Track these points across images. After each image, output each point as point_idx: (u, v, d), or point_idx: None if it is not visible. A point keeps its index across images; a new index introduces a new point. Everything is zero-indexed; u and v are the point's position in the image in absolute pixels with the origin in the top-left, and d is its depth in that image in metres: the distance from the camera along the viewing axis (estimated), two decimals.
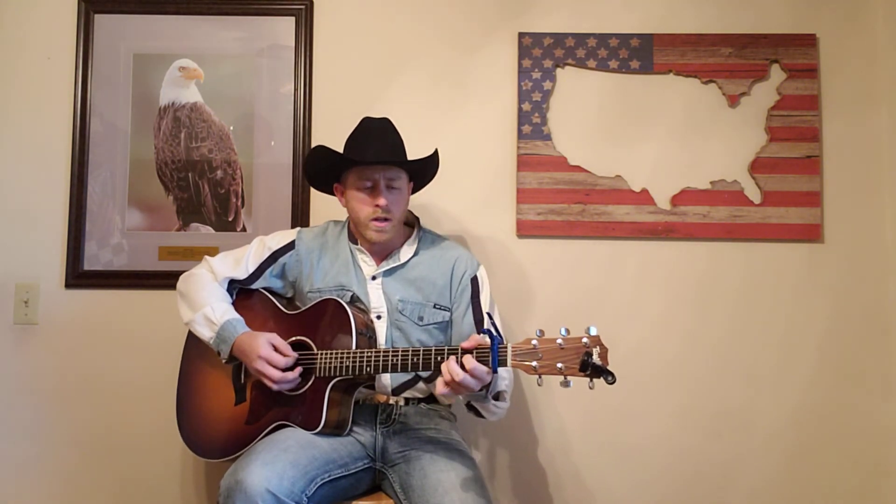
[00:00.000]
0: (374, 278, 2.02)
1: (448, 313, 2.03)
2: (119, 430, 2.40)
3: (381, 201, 1.95)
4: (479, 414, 1.89)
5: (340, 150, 2.02)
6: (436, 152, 2.04)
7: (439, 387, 1.67)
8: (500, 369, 1.72)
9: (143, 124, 2.46)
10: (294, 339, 1.94)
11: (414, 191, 2.16)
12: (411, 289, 2.02)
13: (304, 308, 1.99)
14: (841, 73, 2.46)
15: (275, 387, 1.84)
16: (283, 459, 1.70)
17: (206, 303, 1.95)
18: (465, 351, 1.67)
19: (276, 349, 1.87)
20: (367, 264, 2.05)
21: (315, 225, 2.25)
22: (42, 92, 2.46)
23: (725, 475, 2.38)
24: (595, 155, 2.45)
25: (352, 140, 2.04)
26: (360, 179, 1.98)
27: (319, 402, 1.83)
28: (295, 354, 1.88)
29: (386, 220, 1.96)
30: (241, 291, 2.08)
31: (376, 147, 1.98)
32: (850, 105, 2.45)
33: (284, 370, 1.85)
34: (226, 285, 2.04)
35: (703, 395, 2.40)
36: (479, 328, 1.99)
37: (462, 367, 1.64)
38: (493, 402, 1.81)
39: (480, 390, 1.70)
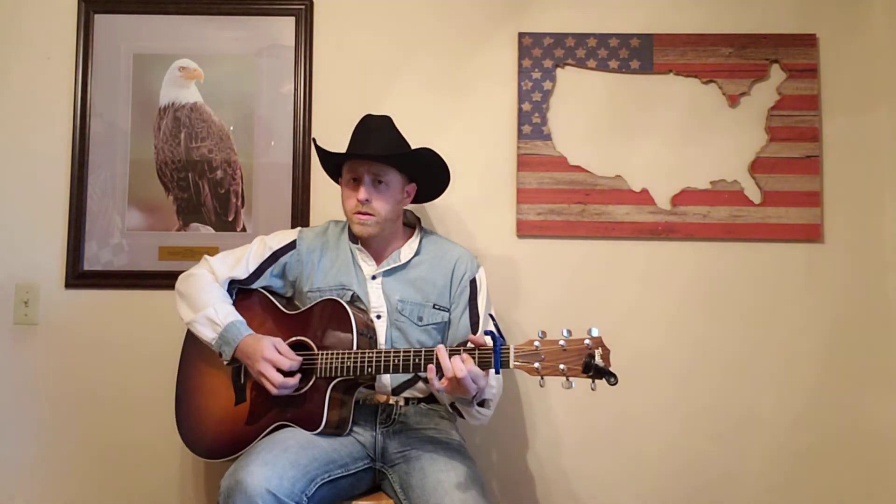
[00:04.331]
0: (374, 278, 2.02)
1: (447, 314, 2.03)
2: (119, 431, 2.40)
3: (361, 194, 1.95)
4: (461, 415, 1.90)
5: (345, 148, 2.04)
6: (426, 149, 2.00)
7: (437, 382, 1.68)
8: (489, 378, 1.74)
9: (143, 124, 2.46)
10: (294, 339, 1.94)
11: (429, 198, 2.17)
12: (411, 289, 2.02)
13: (303, 308, 1.99)
14: (841, 73, 2.46)
15: (275, 391, 1.83)
16: (284, 459, 1.70)
17: (207, 304, 1.95)
18: (468, 351, 1.67)
19: (280, 353, 1.87)
20: (368, 264, 2.05)
21: (315, 225, 2.25)
22: (42, 92, 2.46)
23: (725, 475, 2.38)
24: (595, 155, 2.45)
25: (352, 136, 2.05)
26: (348, 173, 2.01)
27: (320, 403, 1.83)
28: (299, 359, 1.87)
29: (368, 214, 1.96)
30: (240, 291, 2.09)
31: (371, 143, 1.99)
32: (850, 105, 2.45)
33: (288, 373, 1.85)
34: (226, 286, 2.04)
35: (703, 395, 2.40)
36: (475, 330, 2.00)
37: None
38: (477, 407, 1.81)
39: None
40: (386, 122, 2.06)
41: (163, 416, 2.25)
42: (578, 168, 2.44)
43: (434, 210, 2.43)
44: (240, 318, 1.95)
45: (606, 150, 2.45)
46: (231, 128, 2.46)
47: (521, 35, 2.46)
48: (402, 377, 1.98)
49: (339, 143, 2.06)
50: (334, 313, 1.91)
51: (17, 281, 2.43)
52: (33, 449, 2.40)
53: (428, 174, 2.08)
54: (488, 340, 1.67)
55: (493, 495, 2.36)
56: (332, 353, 1.84)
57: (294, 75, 2.46)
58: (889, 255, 2.41)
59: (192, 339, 2.08)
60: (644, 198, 2.42)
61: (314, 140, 2.06)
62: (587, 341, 1.59)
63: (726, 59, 2.45)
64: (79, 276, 2.42)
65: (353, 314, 1.88)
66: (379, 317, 1.99)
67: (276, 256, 2.08)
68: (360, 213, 1.97)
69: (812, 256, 2.42)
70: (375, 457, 1.93)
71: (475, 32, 2.49)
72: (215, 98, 2.47)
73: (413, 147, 2.06)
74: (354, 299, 1.99)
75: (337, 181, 2.15)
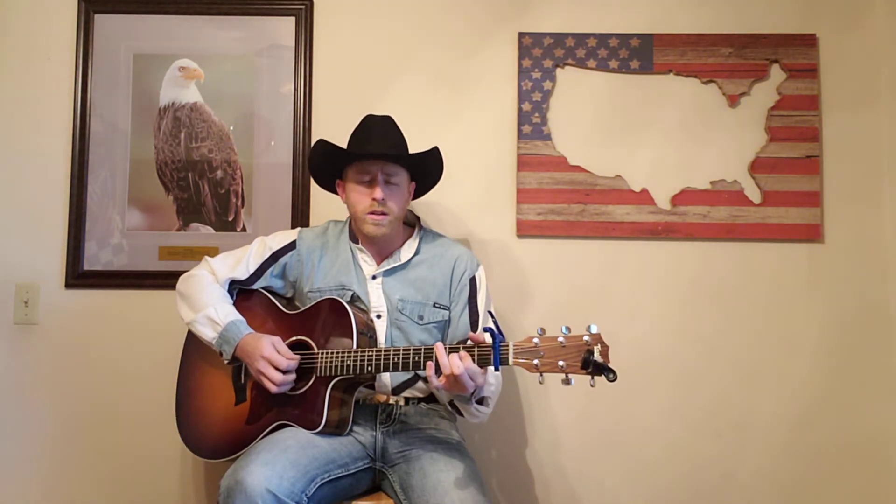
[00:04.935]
0: (374, 278, 2.02)
1: (447, 312, 2.03)
2: (119, 430, 2.39)
3: (378, 193, 1.95)
4: (459, 413, 1.90)
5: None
6: (435, 149, 2.04)
7: (436, 380, 1.68)
8: (488, 375, 1.74)
9: (143, 124, 2.46)
10: (294, 338, 1.94)
11: (419, 193, 2.16)
12: (411, 288, 2.02)
13: (304, 308, 1.99)
14: (841, 73, 2.46)
15: (274, 389, 1.83)
16: (284, 459, 1.70)
17: (208, 304, 1.95)
18: (467, 349, 1.68)
19: (278, 352, 1.86)
20: (368, 264, 2.05)
21: (315, 225, 2.25)
22: (42, 92, 2.46)
23: (726, 476, 2.38)
24: (595, 155, 2.45)
25: (354, 136, 2.06)
26: (358, 173, 2.00)
27: (320, 402, 1.83)
28: (297, 358, 1.87)
29: (383, 213, 1.97)
30: (240, 291, 2.08)
31: (377, 142, 2.00)
32: (850, 105, 2.45)
33: (285, 373, 1.85)
34: (227, 286, 2.04)
35: (703, 395, 2.39)
36: (475, 328, 2.00)
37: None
38: (475, 405, 1.82)
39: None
40: (389, 122, 2.07)
41: (163, 416, 2.24)
42: (578, 168, 2.44)
43: (435, 210, 2.43)
44: (240, 317, 1.95)
45: (606, 150, 2.45)
46: (231, 128, 2.46)
47: (521, 35, 2.47)
48: (402, 377, 1.98)
49: (339, 142, 2.06)
50: (334, 313, 1.91)
51: (17, 281, 2.43)
52: (33, 448, 2.40)
53: (426, 173, 2.10)
54: (488, 338, 1.67)
55: (492, 494, 2.36)
56: (333, 353, 1.84)
57: (294, 75, 2.47)
58: (889, 255, 2.41)
59: (192, 340, 2.08)
60: (644, 198, 2.42)
61: (323, 140, 2.04)
62: (586, 338, 1.58)
63: (726, 59, 2.45)
64: (79, 276, 2.42)
65: (353, 313, 1.88)
66: (379, 316, 1.99)
67: (276, 257, 2.08)
68: (374, 212, 1.97)
69: (812, 256, 2.42)
70: (375, 457, 1.93)
71: (475, 33, 2.49)
72: (215, 98, 2.47)
73: (411, 146, 2.06)
74: (354, 299, 1.99)
75: (323, 185, 2.15)
